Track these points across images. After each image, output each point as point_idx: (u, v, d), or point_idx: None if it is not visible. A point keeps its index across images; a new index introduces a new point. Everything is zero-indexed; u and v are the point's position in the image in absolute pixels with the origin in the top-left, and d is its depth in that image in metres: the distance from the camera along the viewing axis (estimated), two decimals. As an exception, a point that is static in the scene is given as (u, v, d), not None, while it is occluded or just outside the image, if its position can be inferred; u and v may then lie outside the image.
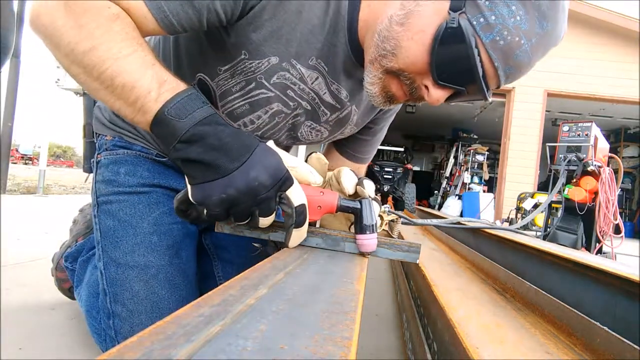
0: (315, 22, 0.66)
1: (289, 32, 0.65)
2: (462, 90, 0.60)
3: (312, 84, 0.75)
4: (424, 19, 0.57)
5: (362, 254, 0.60)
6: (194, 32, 0.66)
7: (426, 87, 0.62)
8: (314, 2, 0.64)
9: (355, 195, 0.66)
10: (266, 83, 0.71)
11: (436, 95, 0.61)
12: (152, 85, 0.50)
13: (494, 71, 0.57)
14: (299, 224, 0.53)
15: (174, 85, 0.51)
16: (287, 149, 1.06)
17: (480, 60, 0.56)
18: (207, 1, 0.58)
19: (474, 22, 0.54)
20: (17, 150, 25.14)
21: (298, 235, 0.55)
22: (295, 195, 0.52)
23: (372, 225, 0.58)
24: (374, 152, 1.09)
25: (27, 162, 24.76)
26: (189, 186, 0.51)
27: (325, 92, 0.77)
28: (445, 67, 0.58)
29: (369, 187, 0.65)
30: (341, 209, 0.59)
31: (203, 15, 0.59)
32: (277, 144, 0.91)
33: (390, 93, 0.66)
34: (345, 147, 1.03)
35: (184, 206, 0.55)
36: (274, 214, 0.53)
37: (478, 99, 0.62)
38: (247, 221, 0.53)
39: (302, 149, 6.78)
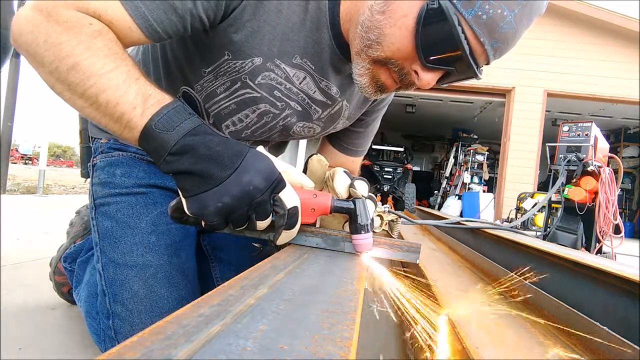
0: (295, 20, 0.66)
1: (270, 31, 0.66)
2: (451, 70, 0.60)
3: (300, 84, 0.75)
4: (404, 4, 0.57)
5: (359, 254, 0.59)
6: (179, 37, 0.66)
7: (415, 72, 0.61)
8: (293, 1, 0.65)
9: (351, 196, 0.66)
10: (251, 83, 0.72)
11: (426, 78, 0.61)
12: (137, 101, 0.50)
13: (481, 47, 0.57)
14: (290, 226, 0.53)
15: (159, 99, 0.51)
16: (283, 143, 1.06)
17: (466, 38, 0.55)
18: (190, 6, 0.58)
19: (454, 0, 0.54)
20: (17, 150, 25.12)
21: (287, 235, 0.55)
22: (288, 197, 0.52)
23: (367, 224, 0.58)
24: (368, 145, 1.09)
25: (27, 162, 24.75)
26: (183, 199, 0.50)
27: (315, 91, 0.78)
28: (432, 49, 0.58)
29: (362, 187, 0.65)
30: (335, 210, 0.59)
31: (187, 21, 0.59)
32: (270, 141, 0.91)
33: (380, 82, 0.66)
34: (339, 141, 1.03)
35: (177, 214, 0.54)
36: (270, 217, 0.53)
37: (469, 78, 0.62)
38: (244, 226, 0.53)
39: (301, 149, 6.79)
